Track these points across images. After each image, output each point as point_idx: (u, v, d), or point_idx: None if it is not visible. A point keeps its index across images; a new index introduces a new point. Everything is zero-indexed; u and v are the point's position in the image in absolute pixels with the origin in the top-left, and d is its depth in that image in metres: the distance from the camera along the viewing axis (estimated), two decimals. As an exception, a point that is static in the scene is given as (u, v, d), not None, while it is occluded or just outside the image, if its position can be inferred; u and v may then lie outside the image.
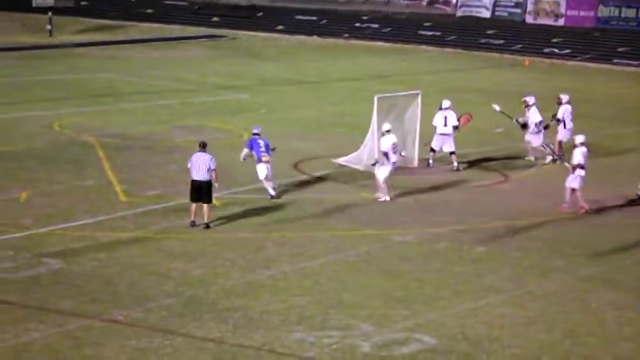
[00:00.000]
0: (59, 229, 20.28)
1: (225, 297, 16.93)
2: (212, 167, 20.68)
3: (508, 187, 25.25)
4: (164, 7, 64.50)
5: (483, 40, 54.27)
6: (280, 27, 58.49)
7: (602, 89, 42.30)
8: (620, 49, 51.25)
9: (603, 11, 56.56)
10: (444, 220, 21.76)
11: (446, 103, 26.78)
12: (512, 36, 54.78)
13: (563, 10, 57.56)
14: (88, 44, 51.07)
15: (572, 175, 22.44)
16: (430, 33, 56.43)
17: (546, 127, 27.70)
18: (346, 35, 56.72)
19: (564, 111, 27.83)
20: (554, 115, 27.76)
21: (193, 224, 20.60)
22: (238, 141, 26.86)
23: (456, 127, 26.53)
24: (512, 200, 23.68)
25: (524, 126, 27.52)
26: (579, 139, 23.00)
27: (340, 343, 15.22)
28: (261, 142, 22.83)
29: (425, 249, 19.84)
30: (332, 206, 22.58)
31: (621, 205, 23.40)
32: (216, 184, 20.87)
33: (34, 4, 53.22)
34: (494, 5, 59.92)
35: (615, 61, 49.70)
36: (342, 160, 25.88)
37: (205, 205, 20.61)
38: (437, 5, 65.47)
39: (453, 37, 55.22)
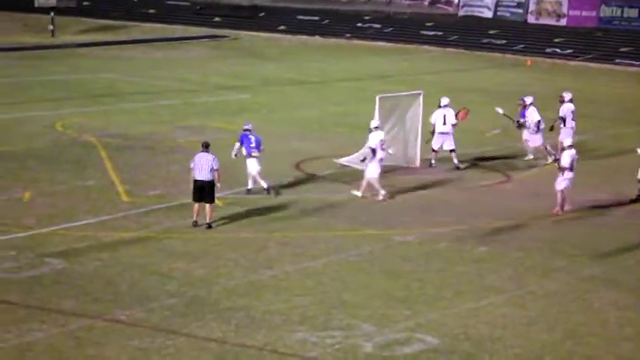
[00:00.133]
0: (61, 229, 20.31)
1: (228, 297, 16.95)
2: (215, 167, 20.71)
3: (509, 187, 25.25)
4: (166, 8, 64.54)
5: (485, 40, 54.25)
6: (282, 27, 58.50)
7: (604, 89, 42.29)
8: (622, 49, 51.21)
9: (605, 11, 56.52)
10: (446, 220, 21.77)
11: (444, 101, 26.77)
12: (515, 36, 54.75)
13: (565, 10, 57.52)
14: (90, 44, 51.10)
15: (560, 178, 22.43)
16: (432, 33, 56.43)
17: (551, 129, 27.66)
18: (348, 35, 56.73)
19: (566, 109, 27.81)
20: (561, 117, 27.73)
21: (195, 224, 20.63)
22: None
23: (454, 125, 26.54)
24: (513, 200, 23.69)
25: (522, 126, 27.49)
26: (567, 141, 23.00)
27: (342, 343, 15.24)
28: (252, 138, 23.01)
29: (426, 249, 19.86)
30: (334, 206, 22.61)
31: (622, 205, 23.41)
32: (218, 184, 20.91)
33: (36, 5, 53.26)
34: (497, 5, 59.90)
35: (617, 61, 49.67)
36: (343, 161, 25.88)
37: (208, 205, 20.64)
38: (439, 5, 65.51)
39: (455, 37, 55.22)
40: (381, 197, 22.99)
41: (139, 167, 25.64)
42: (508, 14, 59.56)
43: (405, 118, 26.48)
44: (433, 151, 26.62)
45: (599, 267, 19.15)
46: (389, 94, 27.52)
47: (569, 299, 17.43)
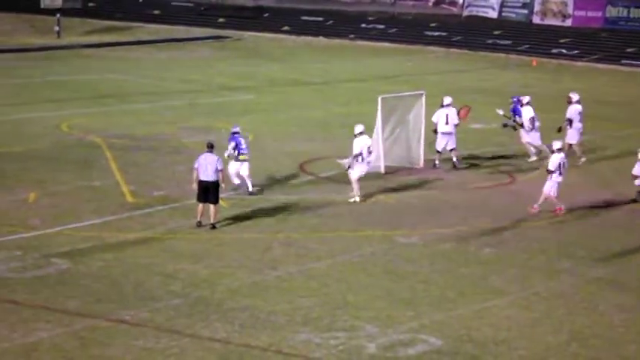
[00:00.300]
0: (67, 230, 20.35)
1: (232, 297, 16.97)
2: (219, 168, 20.73)
3: (514, 189, 25.24)
4: (171, 9, 64.63)
5: (490, 41, 54.23)
6: (286, 28, 58.54)
7: (609, 90, 42.24)
8: (628, 50, 51.17)
9: (611, 11, 56.46)
10: (450, 221, 21.77)
11: (447, 100, 26.74)
12: (519, 36, 54.72)
13: (570, 10, 57.45)
14: (96, 45, 51.19)
15: (548, 181, 22.37)
16: (436, 33, 56.42)
17: (559, 130, 27.57)
18: (352, 36, 56.74)
19: (574, 110, 27.74)
20: (568, 118, 27.67)
21: (200, 225, 20.65)
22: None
23: (456, 125, 26.53)
24: (517, 201, 23.67)
25: (521, 125, 27.44)
26: (557, 145, 22.88)
27: (346, 344, 15.25)
28: (242, 141, 23.09)
29: (430, 250, 19.86)
30: (337, 207, 22.61)
31: (624, 205, 23.39)
32: (223, 185, 20.93)
33: (42, 6, 53.39)
34: (501, 5, 59.86)
35: (623, 61, 49.62)
36: (346, 162, 25.82)
37: (212, 206, 20.66)
38: (443, 6, 65.52)
39: (459, 37, 55.21)
40: (352, 199, 22.93)
41: (144, 168, 25.68)
42: (513, 15, 59.52)
43: (407, 118, 26.47)
44: (437, 152, 26.61)
45: (605, 269, 19.13)
46: (391, 95, 27.52)
47: (574, 301, 17.41)
